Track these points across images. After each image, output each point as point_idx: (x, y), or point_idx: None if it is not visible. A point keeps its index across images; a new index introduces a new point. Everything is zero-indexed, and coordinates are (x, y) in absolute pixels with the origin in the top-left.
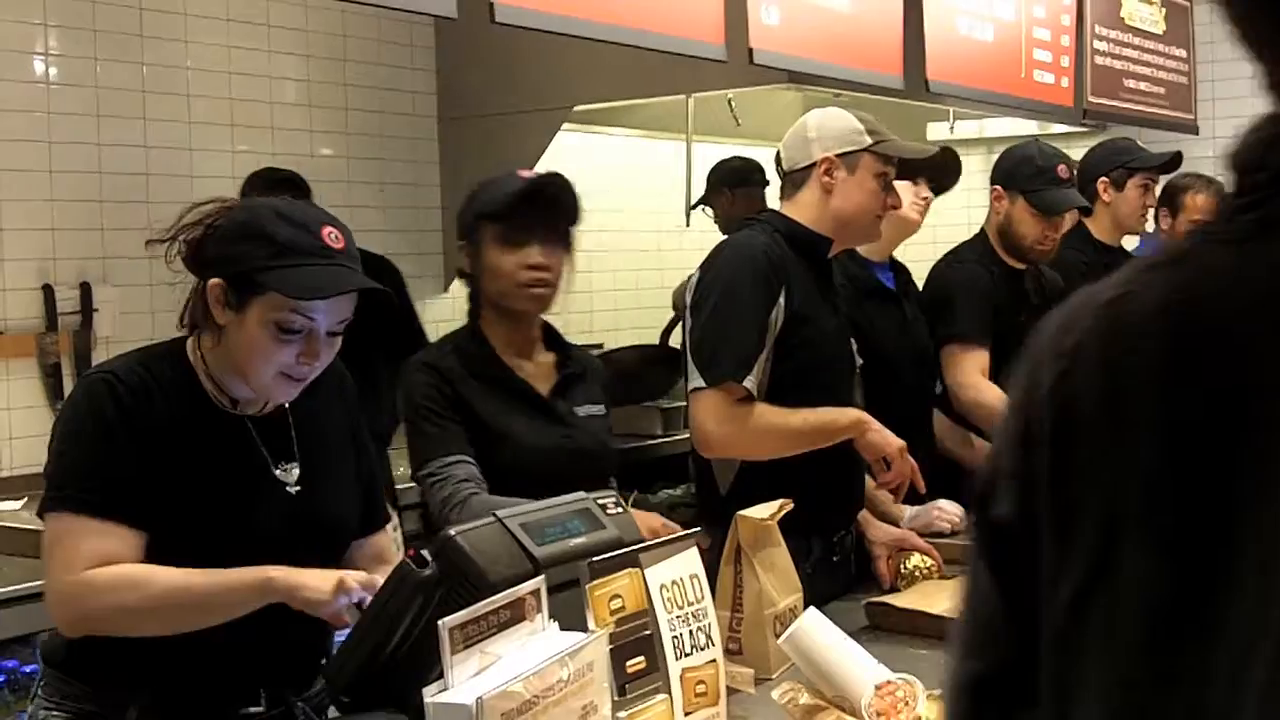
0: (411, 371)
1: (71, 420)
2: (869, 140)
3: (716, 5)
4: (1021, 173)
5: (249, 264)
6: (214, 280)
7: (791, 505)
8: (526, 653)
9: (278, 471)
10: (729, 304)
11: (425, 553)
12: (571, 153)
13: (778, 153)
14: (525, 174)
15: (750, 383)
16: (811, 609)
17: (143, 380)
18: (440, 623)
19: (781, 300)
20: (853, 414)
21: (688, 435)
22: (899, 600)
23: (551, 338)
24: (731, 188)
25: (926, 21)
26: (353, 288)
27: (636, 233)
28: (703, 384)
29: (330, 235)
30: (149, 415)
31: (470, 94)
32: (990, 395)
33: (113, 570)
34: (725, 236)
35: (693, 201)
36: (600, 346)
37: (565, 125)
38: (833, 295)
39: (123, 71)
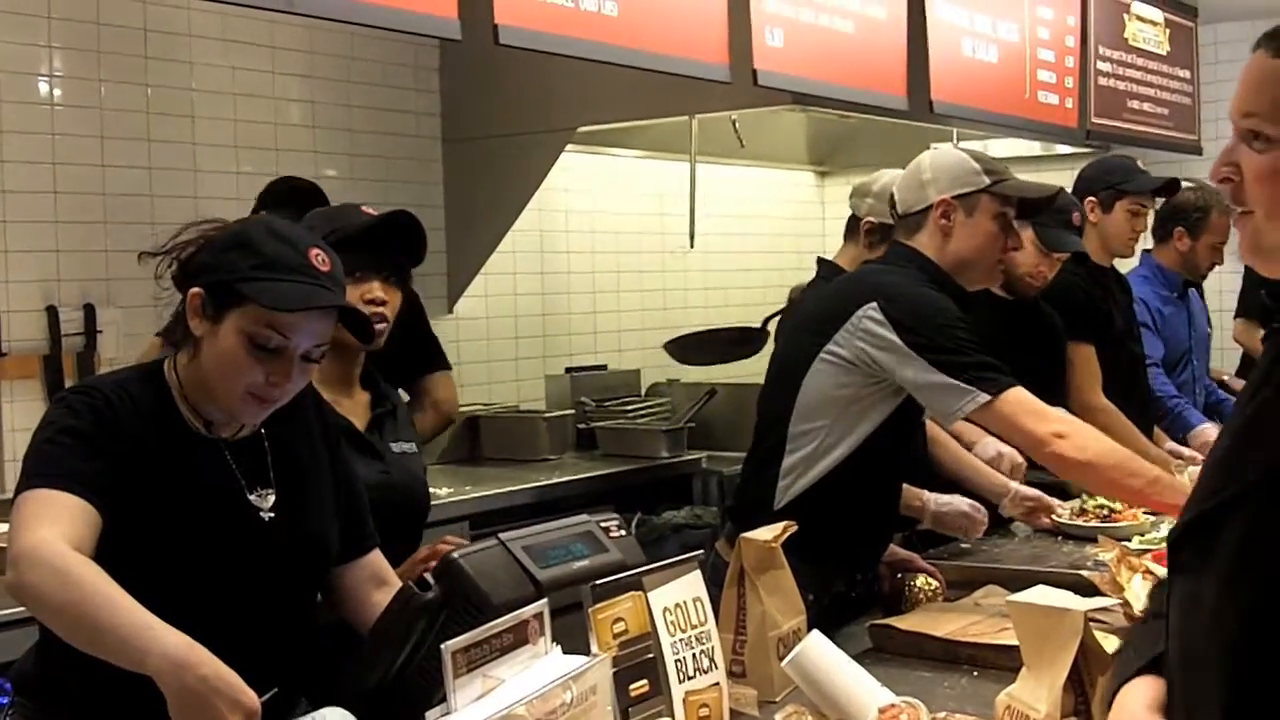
0: None
1: (47, 428)
2: (987, 180)
3: (721, 26)
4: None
5: (230, 273)
6: (194, 289)
7: (795, 527)
8: (529, 676)
9: (252, 497)
10: (949, 322)
11: (428, 576)
12: (575, 174)
13: (891, 194)
14: (371, 211)
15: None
16: (815, 632)
17: (120, 398)
18: (443, 646)
19: None
20: None
21: (691, 456)
22: (903, 623)
23: (366, 375)
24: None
25: (930, 42)
26: (323, 304)
27: (640, 253)
28: (988, 397)
29: (317, 258)
30: (123, 433)
31: (474, 115)
32: None
33: (54, 551)
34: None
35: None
36: (604, 368)
37: (569, 146)
38: None
39: (127, 93)
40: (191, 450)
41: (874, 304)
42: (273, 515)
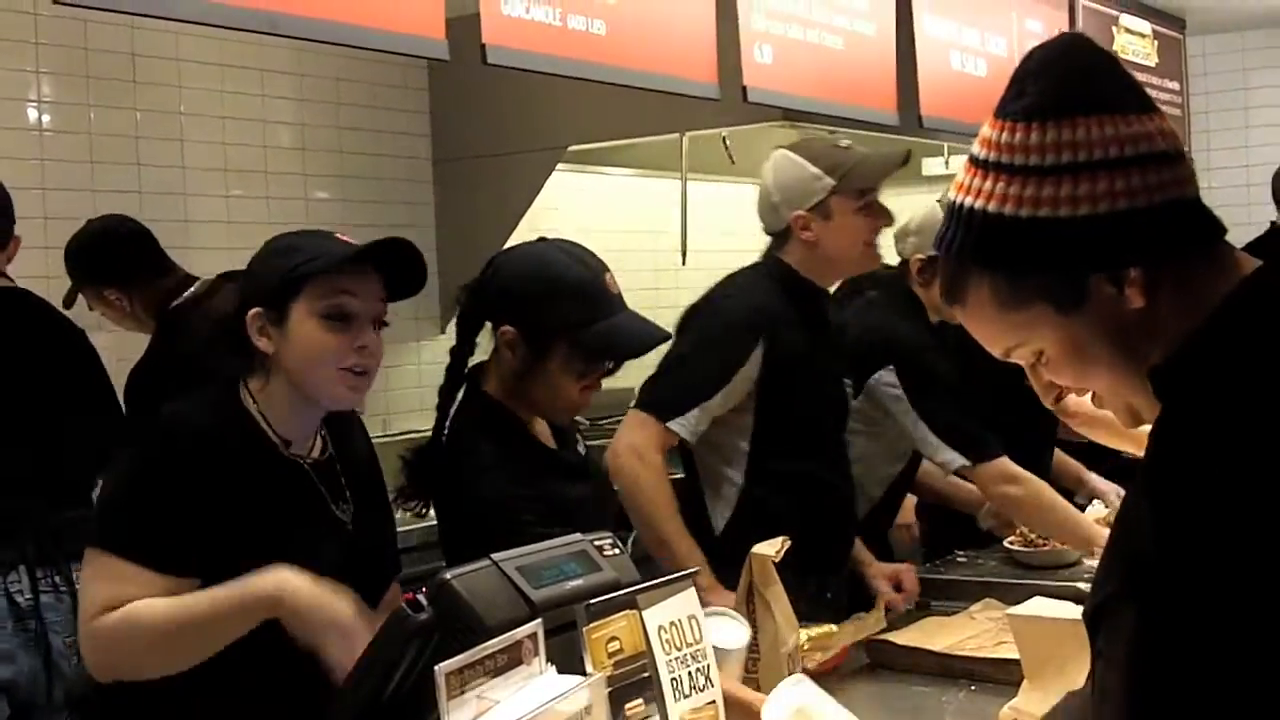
0: (489, 478)
1: (136, 461)
2: (831, 182)
3: (709, 44)
4: None
5: (279, 272)
6: (251, 313)
7: (790, 543)
8: (524, 697)
9: (337, 512)
10: (691, 346)
11: (421, 597)
12: (567, 192)
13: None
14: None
15: (679, 425)
16: (804, 679)
17: (214, 425)
18: (436, 668)
19: (759, 354)
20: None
21: (684, 474)
22: (900, 637)
23: None
24: None
25: (919, 57)
26: (378, 249)
27: (632, 271)
28: (635, 404)
29: (340, 236)
30: (218, 462)
31: (464, 135)
32: None
33: (116, 615)
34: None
35: (688, 240)
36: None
37: (560, 165)
38: (828, 337)
39: (116, 117)
40: (279, 471)
41: (704, 295)
42: (353, 528)
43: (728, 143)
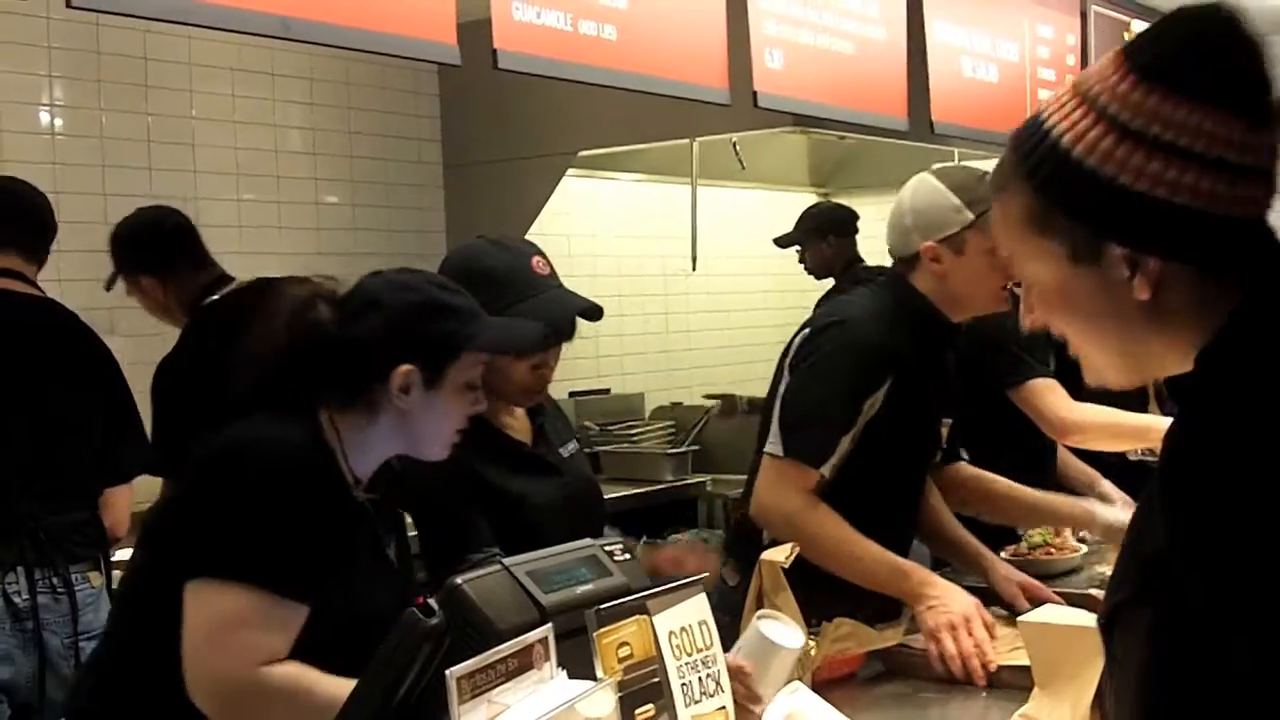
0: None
1: (254, 485)
2: (970, 216)
3: (720, 49)
4: None
5: (449, 336)
6: (404, 367)
7: (800, 549)
8: (535, 701)
9: (389, 551)
10: (830, 383)
11: (432, 602)
12: (577, 198)
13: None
14: (542, 270)
15: (827, 468)
16: (801, 687)
17: (310, 456)
18: (447, 672)
19: (883, 390)
20: (917, 577)
21: (695, 480)
22: (913, 642)
23: None
24: (836, 235)
25: (931, 63)
26: (543, 331)
27: (642, 277)
28: (780, 452)
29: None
30: (314, 496)
31: (475, 140)
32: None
33: (284, 673)
34: (819, 279)
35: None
36: (608, 391)
37: (570, 170)
38: (940, 373)
39: (128, 122)
40: (348, 508)
41: (817, 319)
42: (397, 565)
43: (738, 148)
